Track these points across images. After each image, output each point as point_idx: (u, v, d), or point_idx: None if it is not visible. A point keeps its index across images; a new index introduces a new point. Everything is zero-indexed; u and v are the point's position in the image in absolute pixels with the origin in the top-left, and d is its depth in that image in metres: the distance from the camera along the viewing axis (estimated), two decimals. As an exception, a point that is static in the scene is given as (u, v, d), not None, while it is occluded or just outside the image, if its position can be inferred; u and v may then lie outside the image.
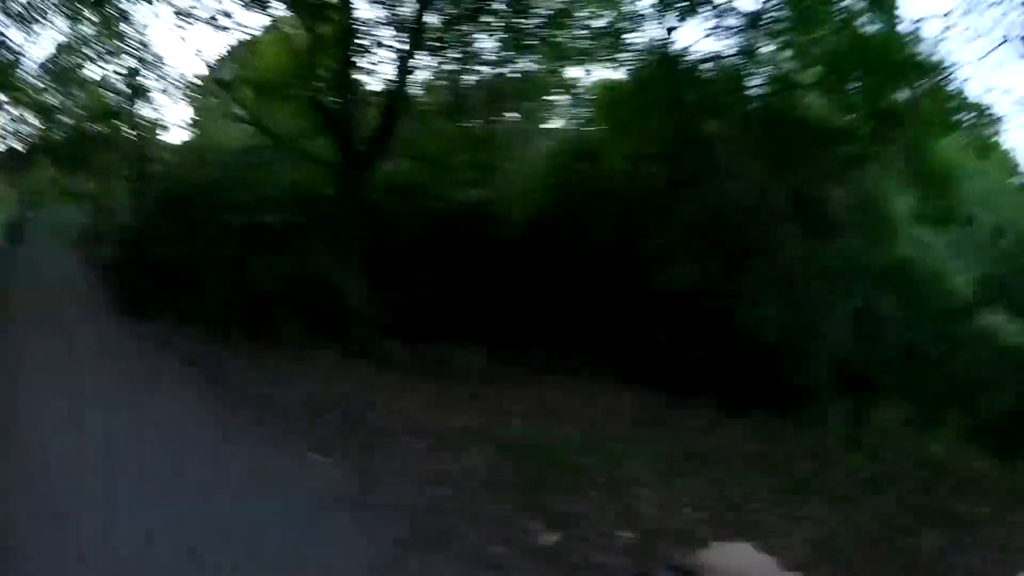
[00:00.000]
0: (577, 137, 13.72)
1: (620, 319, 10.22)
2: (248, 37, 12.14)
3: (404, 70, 10.53)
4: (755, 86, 10.30)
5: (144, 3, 15.94)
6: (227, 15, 11.21)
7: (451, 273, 11.73)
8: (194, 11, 11.67)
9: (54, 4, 16.58)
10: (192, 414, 6.03)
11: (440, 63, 11.59)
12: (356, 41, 10.42)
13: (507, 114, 17.83)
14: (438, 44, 10.83)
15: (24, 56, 17.67)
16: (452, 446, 5.34)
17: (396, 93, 10.42)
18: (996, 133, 10.24)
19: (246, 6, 11.09)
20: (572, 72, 13.95)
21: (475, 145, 12.39)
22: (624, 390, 8.75)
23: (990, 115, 9.57)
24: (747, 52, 9.84)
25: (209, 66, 11.95)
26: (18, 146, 20.03)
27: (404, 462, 5.06)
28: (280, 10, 11.51)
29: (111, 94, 15.76)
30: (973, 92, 9.69)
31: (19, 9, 16.17)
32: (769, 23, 9.56)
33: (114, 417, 5.53)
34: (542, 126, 18.51)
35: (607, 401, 8.06)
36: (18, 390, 6.28)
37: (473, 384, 8.41)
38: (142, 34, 15.95)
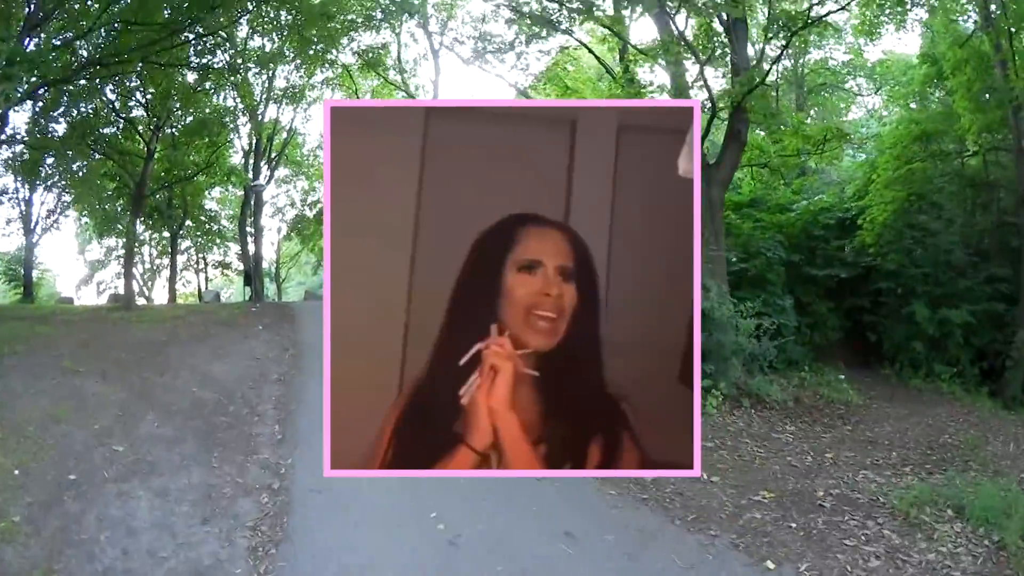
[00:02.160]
0: (910, 119, 11.49)
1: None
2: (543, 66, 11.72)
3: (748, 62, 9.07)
4: None
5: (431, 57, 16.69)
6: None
7: (809, 292, 10.62)
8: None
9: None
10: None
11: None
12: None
13: (814, 109, 16.01)
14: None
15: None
16: (913, 522, 4.30)
17: (744, 92, 8.89)
18: None
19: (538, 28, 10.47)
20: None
21: (807, 144, 10.55)
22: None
23: None
24: None
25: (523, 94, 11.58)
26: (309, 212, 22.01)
27: (869, 557, 3.90)
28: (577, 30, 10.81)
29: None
30: None
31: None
32: None
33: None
34: (846, 119, 16.38)
35: (1004, 433, 7.07)
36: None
37: (859, 422, 7.63)
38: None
